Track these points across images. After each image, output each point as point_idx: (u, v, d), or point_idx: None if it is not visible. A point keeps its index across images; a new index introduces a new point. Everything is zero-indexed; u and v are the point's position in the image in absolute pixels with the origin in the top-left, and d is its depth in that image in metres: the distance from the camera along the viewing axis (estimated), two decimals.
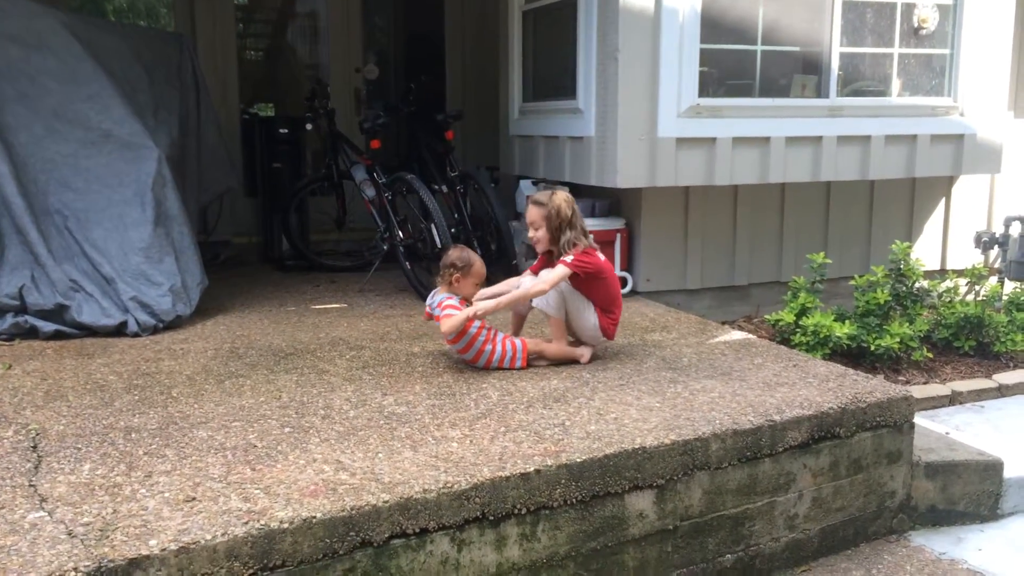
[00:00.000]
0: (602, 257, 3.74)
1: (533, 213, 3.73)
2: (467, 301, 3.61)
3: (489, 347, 3.58)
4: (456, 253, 3.65)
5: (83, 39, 4.65)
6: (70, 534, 2.13)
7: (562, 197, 3.71)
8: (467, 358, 3.62)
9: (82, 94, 4.52)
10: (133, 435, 2.84)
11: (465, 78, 7.84)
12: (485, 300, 3.60)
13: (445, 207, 5.48)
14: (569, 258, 3.59)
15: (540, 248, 3.78)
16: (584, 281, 3.66)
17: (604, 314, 3.73)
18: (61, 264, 4.29)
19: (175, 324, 4.36)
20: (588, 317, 3.70)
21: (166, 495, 2.36)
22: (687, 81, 4.97)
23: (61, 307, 4.16)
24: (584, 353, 3.71)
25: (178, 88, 5.43)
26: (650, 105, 4.93)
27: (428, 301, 3.71)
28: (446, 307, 3.54)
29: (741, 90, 5.27)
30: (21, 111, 4.40)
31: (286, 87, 8.07)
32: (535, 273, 3.82)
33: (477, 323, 3.56)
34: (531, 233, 3.76)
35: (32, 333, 4.13)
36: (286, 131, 6.47)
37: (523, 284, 3.75)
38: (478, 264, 3.64)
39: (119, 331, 4.20)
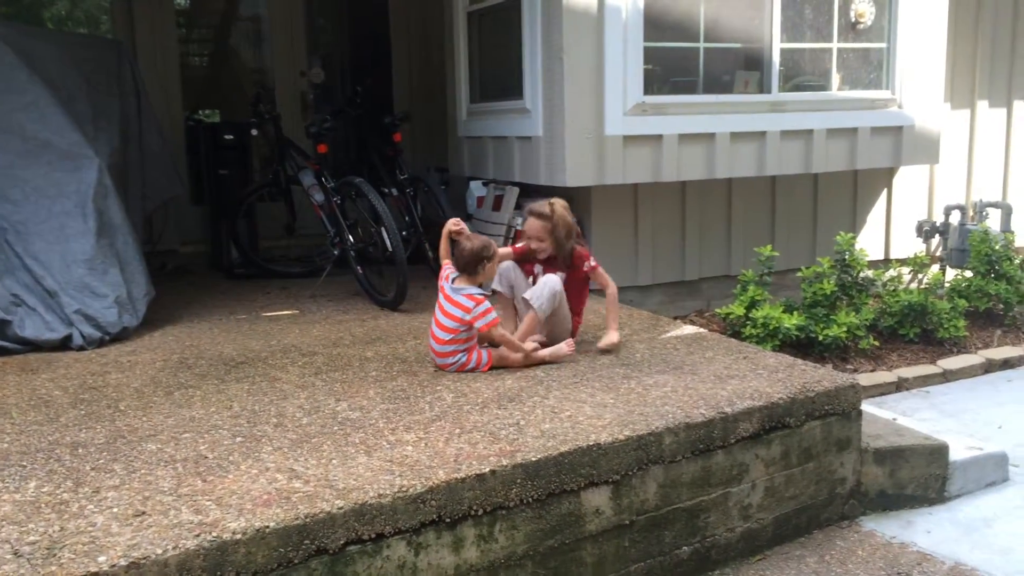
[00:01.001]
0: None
1: (536, 227, 3.74)
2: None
3: (465, 357, 3.56)
4: (480, 241, 3.60)
5: (17, 47, 4.54)
6: (16, 554, 2.08)
7: (561, 205, 3.79)
8: (443, 362, 3.58)
9: (18, 103, 4.41)
10: (80, 450, 2.78)
11: (412, 80, 7.82)
12: (534, 346, 3.65)
13: (395, 210, 5.46)
14: (594, 261, 3.83)
15: (543, 256, 3.81)
16: (575, 283, 3.80)
17: (576, 315, 3.91)
18: (1, 278, 4.17)
19: (122, 336, 4.27)
20: (568, 318, 3.84)
21: (115, 510, 2.32)
22: (632, 79, 5.02)
23: (3, 322, 4.05)
24: (563, 348, 3.73)
25: (118, 96, 5.32)
26: (596, 104, 4.96)
27: (448, 292, 3.57)
28: (481, 311, 3.48)
29: (686, 87, 5.34)
30: None
31: (231, 92, 7.96)
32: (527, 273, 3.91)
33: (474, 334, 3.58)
34: (533, 245, 3.77)
35: None
36: (232, 137, 6.38)
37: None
38: (496, 246, 3.66)
39: (64, 345, 4.11)
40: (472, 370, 3.57)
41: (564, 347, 3.71)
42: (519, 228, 5.28)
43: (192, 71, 7.81)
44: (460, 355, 3.56)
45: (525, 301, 3.69)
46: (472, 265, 3.58)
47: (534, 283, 3.80)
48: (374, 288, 5.08)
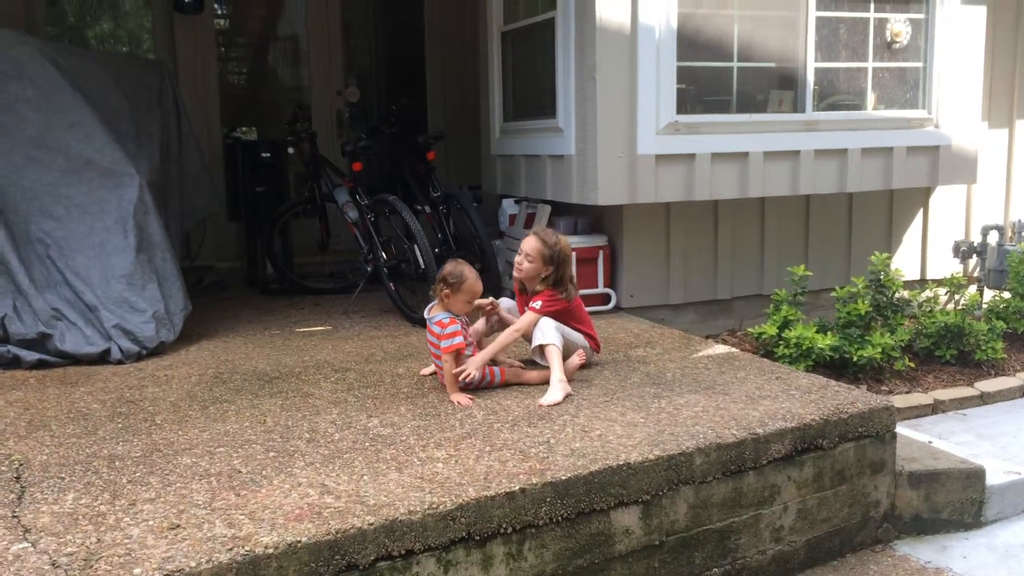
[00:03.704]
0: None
1: (532, 245, 3.70)
2: (463, 319, 3.58)
3: (477, 375, 3.54)
4: (449, 267, 3.56)
5: (62, 67, 4.67)
6: (54, 564, 2.12)
7: (566, 243, 3.78)
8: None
9: (62, 122, 4.53)
10: (117, 463, 2.83)
11: (446, 99, 7.89)
12: (476, 360, 3.54)
13: (428, 227, 5.50)
14: (538, 304, 3.68)
15: (519, 276, 3.79)
16: (562, 314, 3.75)
17: (587, 335, 3.88)
18: (43, 293, 4.27)
19: (159, 350, 4.35)
20: (582, 341, 3.83)
21: (150, 523, 2.36)
22: (665, 99, 5.02)
23: (44, 336, 4.15)
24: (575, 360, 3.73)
25: (159, 114, 5.44)
26: (629, 123, 4.97)
27: (425, 315, 3.64)
28: (449, 332, 3.46)
29: (719, 106, 5.33)
30: (0, 140, 4.40)
31: (268, 111, 8.09)
32: (516, 294, 3.89)
33: (468, 352, 3.56)
34: (518, 259, 3.74)
35: (15, 363, 4.11)
36: (268, 155, 6.49)
37: (503, 306, 3.83)
38: (471, 280, 3.53)
39: (102, 359, 4.19)
40: (487, 386, 3.57)
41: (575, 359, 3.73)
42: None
43: (231, 89, 7.94)
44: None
45: (540, 349, 3.63)
46: (435, 287, 3.57)
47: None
48: (406, 305, 5.12)
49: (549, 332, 3.62)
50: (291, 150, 6.11)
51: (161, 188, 5.01)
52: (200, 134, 6.28)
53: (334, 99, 7.72)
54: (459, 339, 3.47)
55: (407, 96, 6.63)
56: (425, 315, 3.64)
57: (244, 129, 7.89)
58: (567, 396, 3.42)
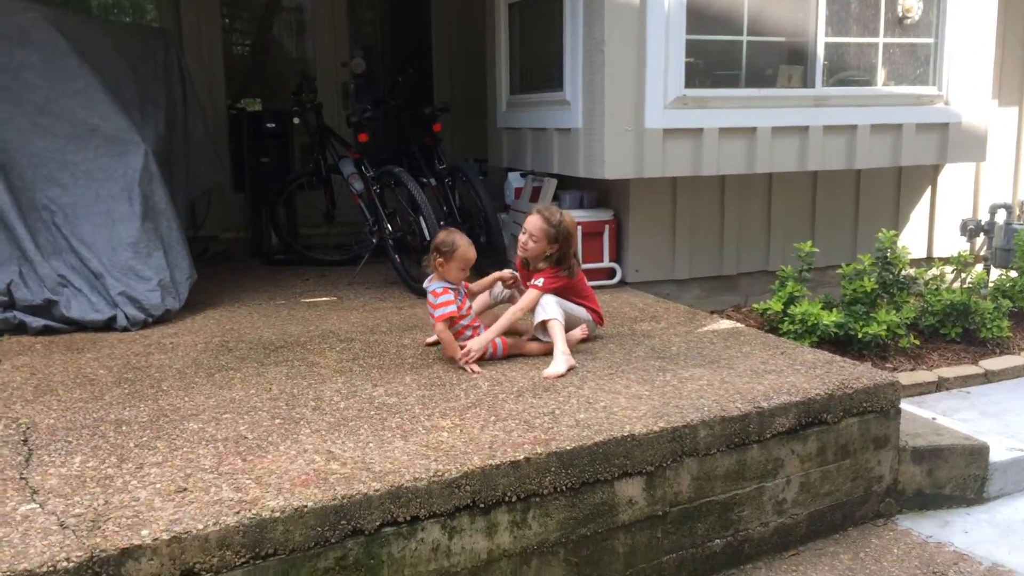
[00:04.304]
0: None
1: (535, 224, 3.67)
2: (458, 288, 3.58)
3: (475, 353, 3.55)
4: (442, 236, 3.58)
5: (68, 34, 4.64)
6: (62, 525, 2.14)
7: (570, 219, 3.73)
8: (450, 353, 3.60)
9: (68, 89, 4.50)
10: (124, 428, 2.84)
11: (452, 70, 7.85)
12: (479, 340, 3.54)
13: (433, 200, 5.48)
14: (540, 282, 3.67)
15: (524, 255, 3.77)
16: (564, 290, 3.76)
17: (590, 309, 3.88)
18: (49, 259, 4.28)
19: (164, 318, 4.35)
20: (584, 315, 3.83)
21: (157, 486, 2.37)
22: (673, 72, 4.99)
23: (50, 302, 4.15)
24: (576, 333, 3.76)
25: (164, 83, 5.42)
26: (637, 96, 4.94)
27: (425, 286, 3.65)
28: (440, 301, 3.48)
29: (727, 81, 5.29)
30: (6, 107, 4.39)
31: (273, 82, 8.05)
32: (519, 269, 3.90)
33: (465, 321, 3.57)
34: (523, 239, 3.71)
35: (21, 328, 4.12)
36: (273, 126, 6.46)
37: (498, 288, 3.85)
38: (463, 247, 3.54)
39: (108, 326, 4.20)
40: (490, 357, 3.58)
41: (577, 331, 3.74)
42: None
43: (235, 60, 7.90)
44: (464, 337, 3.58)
45: (543, 324, 3.62)
46: (428, 256, 3.58)
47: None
48: (411, 277, 5.12)
49: (551, 308, 3.62)
50: (296, 120, 6.08)
51: (166, 157, 5.00)
52: (205, 105, 6.25)
53: (339, 71, 7.69)
54: (451, 307, 3.48)
55: (413, 68, 6.59)
56: (424, 286, 3.65)
57: (249, 100, 7.85)
58: (570, 368, 3.43)
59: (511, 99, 6.20)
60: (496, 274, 3.86)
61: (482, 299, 3.91)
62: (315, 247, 6.44)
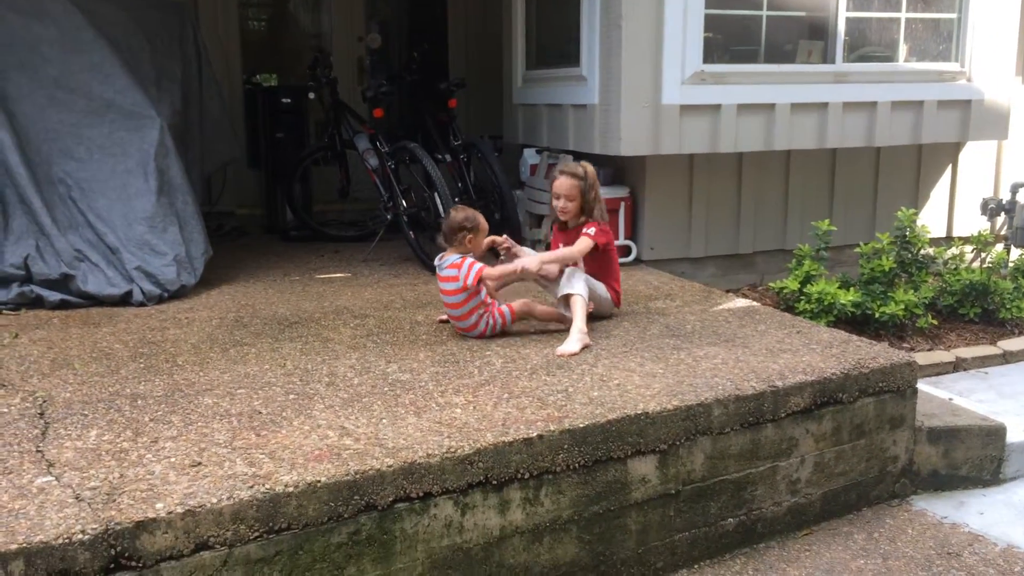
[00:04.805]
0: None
1: (566, 185, 3.73)
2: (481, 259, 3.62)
3: (488, 319, 3.58)
4: (461, 214, 3.60)
5: (84, 8, 4.63)
6: (77, 498, 2.15)
7: (590, 166, 3.80)
8: (463, 325, 3.60)
9: (84, 63, 4.50)
10: (139, 402, 2.86)
11: (468, 46, 7.79)
12: (534, 259, 3.64)
13: (448, 176, 5.47)
14: (592, 230, 3.70)
15: (565, 218, 3.80)
16: (597, 257, 3.76)
17: (611, 287, 3.86)
18: (65, 234, 4.30)
19: (180, 293, 4.37)
20: (603, 293, 3.81)
21: (172, 460, 2.38)
22: (691, 47, 4.93)
23: (66, 277, 4.18)
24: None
25: (179, 58, 5.40)
26: (654, 72, 4.89)
27: (437, 263, 3.66)
28: (468, 265, 3.51)
29: (746, 56, 5.23)
30: (22, 81, 4.39)
31: (289, 57, 8.02)
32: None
33: (479, 298, 3.57)
34: (560, 204, 3.76)
35: (38, 303, 4.15)
36: (289, 101, 6.45)
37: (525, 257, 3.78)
38: (482, 219, 3.63)
39: (124, 301, 4.22)
40: (503, 326, 3.60)
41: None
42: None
43: (251, 35, 7.87)
44: (485, 317, 3.58)
45: (566, 299, 3.62)
46: (451, 234, 3.59)
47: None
48: (426, 253, 5.11)
49: (578, 283, 3.61)
50: (312, 95, 6.06)
51: (182, 132, 5.00)
52: (221, 80, 6.24)
53: (355, 45, 7.65)
54: (479, 264, 3.53)
55: (428, 43, 6.54)
56: (439, 263, 3.65)
57: (265, 76, 7.83)
58: (584, 347, 3.41)
59: (527, 75, 6.15)
60: (491, 238, 3.77)
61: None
62: (330, 223, 6.45)
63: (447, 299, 3.60)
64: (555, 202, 3.78)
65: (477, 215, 3.61)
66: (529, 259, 3.66)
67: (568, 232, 3.84)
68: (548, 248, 3.97)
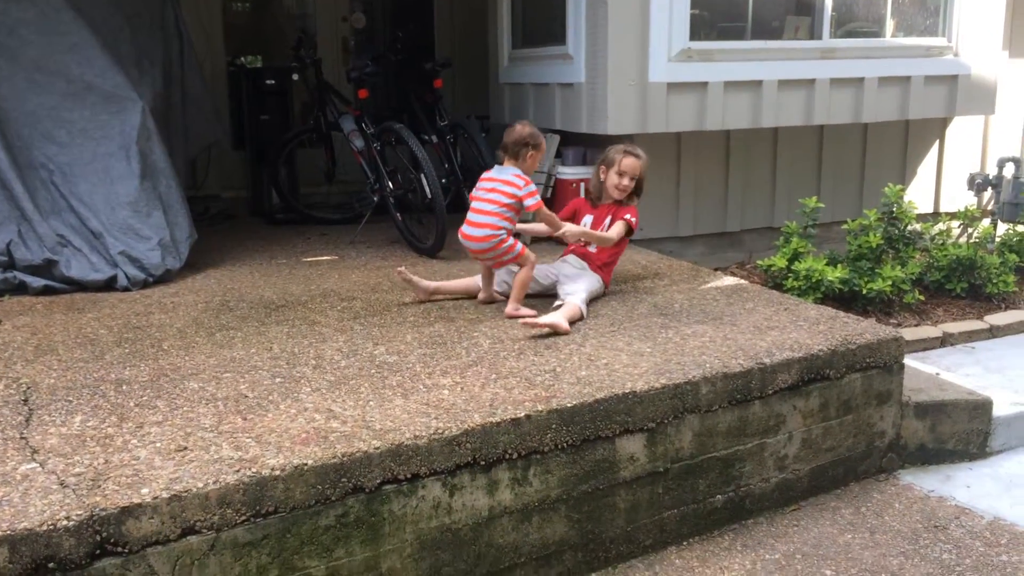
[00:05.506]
0: None
1: (634, 164, 3.88)
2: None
3: (512, 241, 3.62)
4: (528, 128, 3.66)
5: None
6: (62, 484, 2.14)
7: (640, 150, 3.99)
8: (488, 245, 3.58)
9: (63, 45, 4.44)
10: (124, 387, 2.84)
11: (453, 25, 7.73)
12: (575, 227, 3.79)
13: (435, 157, 5.43)
14: (632, 218, 3.88)
15: (622, 196, 3.91)
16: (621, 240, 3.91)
17: (609, 268, 3.95)
18: (48, 219, 4.25)
19: (165, 278, 4.34)
20: (597, 286, 3.85)
21: (158, 445, 2.37)
22: (678, 25, 4.90)
23: (49, 262, 4.14)
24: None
25: (160, 39, 5.33)
26: (640, 50, 4.86)
27: (492, 175, 3.68)
28: (533, 188, 3.59)
29: (733, 33, 5.21)
30: (1, 64, 4.33)
31: (273, 37, 7.94)
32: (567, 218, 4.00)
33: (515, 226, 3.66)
34: (624, 183, 3.88)
35: (21, 289, 4.11)
36: (273, 82, 6.38)
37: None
38: (543, 138, 3.70)
39: (109, 286, 4.18)
40: (514, 259, 3.63)
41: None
42: (560, 176, 5.24)
43: (235, 16, 7.79)
44: (503, 233, 3.59)
45: (565, 297, 3.63)
46: (514, 147, 3.63)
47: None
48: (413, 235, 5.09)
49: (581, 292, 3.64)
50: (296, 76, 6.01)
51: (164, 115, 4.94)
52: (203, 61, 6.17)
53: (339, 25, 7.58)
54: (539, 197, 3.62)
55: (414, 23, 6.48)
56: (495, 168, 3.70)
57: (248, 57, 7.75)
58: (554, 328, 3.34)
59: (513, 54, 6.11)
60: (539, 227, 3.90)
61: (468, 285, 3.91)
62: (316, 206, 6.40)
63: (485, 206, 3.61)
64: (618, 179, 3.88)
65: (540, 134, 3.68)
66: (573, 226, 3.79)
67: (598, 208, 3.97)
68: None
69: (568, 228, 3.76)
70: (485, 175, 3.73)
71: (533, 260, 3.68)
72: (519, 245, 3.64)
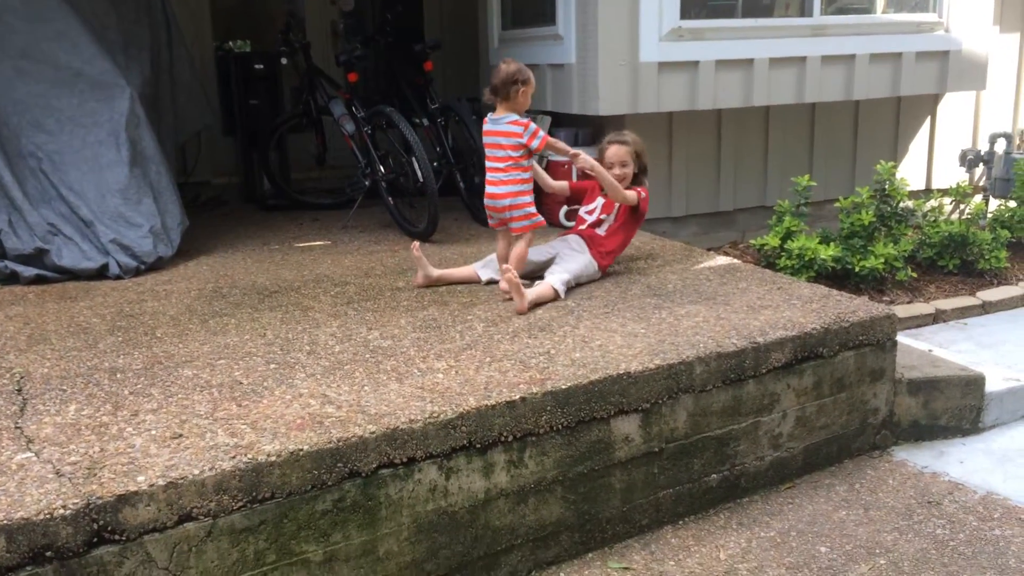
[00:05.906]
0: None
1: (621, 152, 3.86)
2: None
3: (523, 199, 3.62)
4: (512, 66, 3.60)
5: None
6: (58, 473, 2.14)
7: (634, 134, 3.97)
8: (497, 191, 3.62)
9: (49, 32, 4.40)
10: (118, 376, 2.83)
11: (443, 7, 7.68)
12: (589, 158, 3.73)
13: (426, 140, 5.41)
14: (644, 193, 3.86)
15: (625, 183, 3.86)
16: (627, 220, 3.90)
17: (611, 253, 3.94)
18: (38, 208, 4.23)
19: (157, 266, 4.32)
20: (593, 270, 3.84)
21: (153, 433, 2.37)
22: (668, 3, 4.88)
23: (40, 251, 4.12)
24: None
25: (147, 25, 5.29)
26: (631, 29, 4.84)
27: (491, 118, 3.66)
28: (534, 129, 3.55)
29: (723, 11, 5.19)
30: None
31: (261, 22, 7.87)
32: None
33: (528, 175, 3.66)
34: (616, 172, 3.83)
35: (13, 278, 4.10)
36: (262, 67, 6.33)
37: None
38: (530, 72, 3.65)
39: (101, 274, 4.17)
40: (524, 218, 3.63)
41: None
42: (552, 159, 5.23)
43: (223, 1, 7.72)
44: (522, 196, 3.60)
45: (548, 277, 3.64)
46: (503, 87, 3.58)
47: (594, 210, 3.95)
48: (405, 219, 5.08)
49: (564, 273, 3.62)
50: (284, 60, 5.96)
51: (153, 101, 4.91)
52: (191, 47, 6.12)
53: (328, 9, 7.53)
54: (543, 132, 3.58)
55: (403, 5, 6.43)
56: (490, 117, 3.65)
57: (238, 42, 7.69)
58: (523, 299, 3.37)
59: (503, 35, 6.08)
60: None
61: (470, 274, 3.89)
62: (308, 191, 6.38)
63: (496, 164, 3.62)
64: (615, 170, 3.84)
65: (526, 68, 3.62)
66: (588, 156, 3.74)
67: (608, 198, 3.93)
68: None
69: (583, 156, 3.70)
70: (485, 128, 3.70)
71: (531, 237, 3.72)
72: (533, 210, 3.66)
